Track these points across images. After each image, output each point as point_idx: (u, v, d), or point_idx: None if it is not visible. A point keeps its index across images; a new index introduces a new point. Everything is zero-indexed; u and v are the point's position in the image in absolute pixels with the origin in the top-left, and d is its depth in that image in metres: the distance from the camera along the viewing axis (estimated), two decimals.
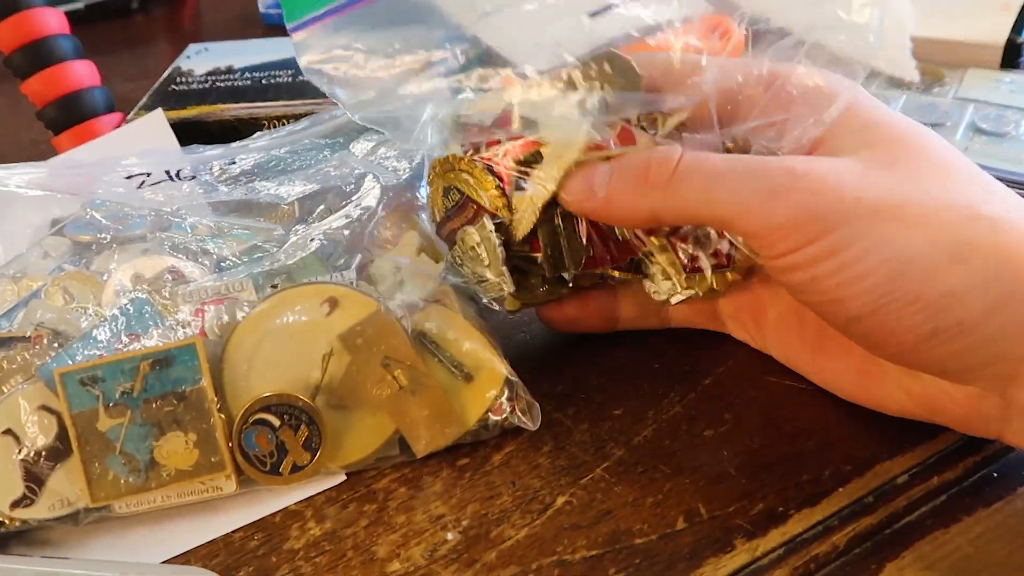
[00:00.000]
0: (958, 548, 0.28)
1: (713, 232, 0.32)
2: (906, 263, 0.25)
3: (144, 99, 0.54)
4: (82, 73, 0.50)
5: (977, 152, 0.41)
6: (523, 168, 0.31)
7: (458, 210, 0.32)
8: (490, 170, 0.31)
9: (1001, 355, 0.26)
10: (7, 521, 0.29)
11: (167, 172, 0.39)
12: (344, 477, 0.31)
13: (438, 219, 0.34)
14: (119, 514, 0.30)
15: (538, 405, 0.32)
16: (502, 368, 0.32)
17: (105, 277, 0.33)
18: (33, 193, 0.38)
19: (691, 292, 0.32)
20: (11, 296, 0.33)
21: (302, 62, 0.33)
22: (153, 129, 0.48)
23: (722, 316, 0.35)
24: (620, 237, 0.32)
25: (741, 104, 0.29)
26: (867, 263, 0.26)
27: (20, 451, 0.29)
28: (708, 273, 0.32)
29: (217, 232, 0.35)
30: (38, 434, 0.29)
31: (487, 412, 0.32)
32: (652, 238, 0.32)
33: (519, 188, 0.31)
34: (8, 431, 0.29)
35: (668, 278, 0.32)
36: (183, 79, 0.55)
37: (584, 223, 0.32)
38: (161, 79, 0.56)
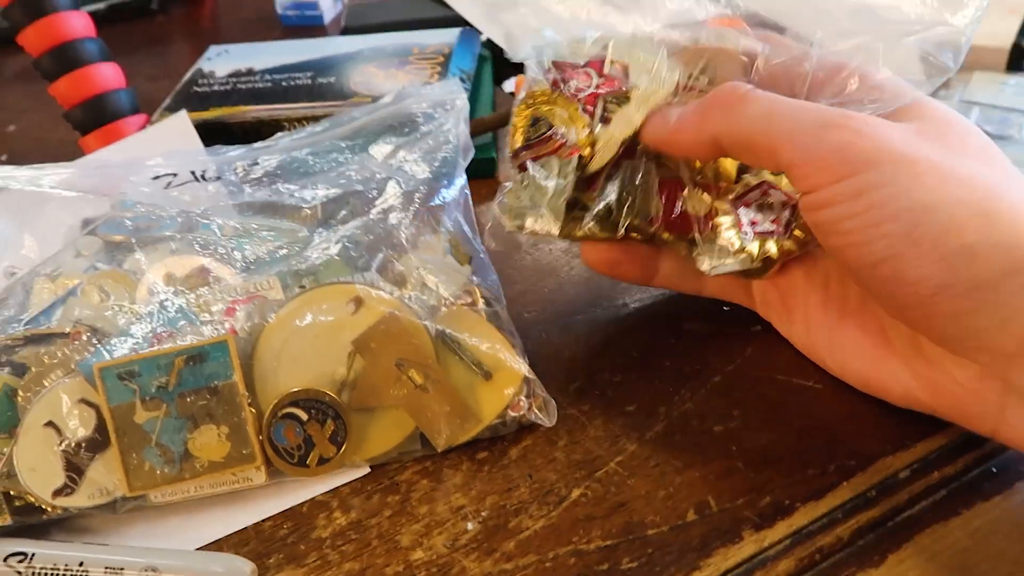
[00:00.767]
0: (957, 541, 0.29)
1: (775, 199, 0.33)
2: (929, 212, 0.26)
3: (167, 100, 0.54)
4: (108, 75, 0.51)
5: None
6: (612, 104, 0.33)
7: (541, 141, 0.34)
8: (584, 110, 0.33)
9: (1008, 321, 0.26)
10: (49, 509, 0.31)
11: (192, 173, 0.40)
12: (368, 469, 0.32)
13: (518, 145, 0.35)
14: (155, 503, 0.31)
15: (554, 401, 0.33)
16: (520, 367, 0.33)
17: (138, 276, 0.34)
18: (65, 193, 0.39)
19: (734, 265, 0.34)
20: (48, 295, 0.34)
21: None
22: (178, 130, 0.48)
23: (753, 292, 0.37)
24: (685, 208, 0.34)
25: (811, 87, 0.31)
26: (891, 207, 0.27)
27: (61, 442, 0.30)
28: (769, 240, 0.34)
29: (244, 233, 0.36)
30: (78, 426, 0.31)
31: (506, 408, 0.33)
32: (717, 202, 0.34)
33: (604, 121, 0.33)
34: (50, 423, 0.31)
35: (726, 241, 0.34)
36: (205, 80, 0.56)
37: (659, 183, 0.34)
38: (183, 80, 0.57)
